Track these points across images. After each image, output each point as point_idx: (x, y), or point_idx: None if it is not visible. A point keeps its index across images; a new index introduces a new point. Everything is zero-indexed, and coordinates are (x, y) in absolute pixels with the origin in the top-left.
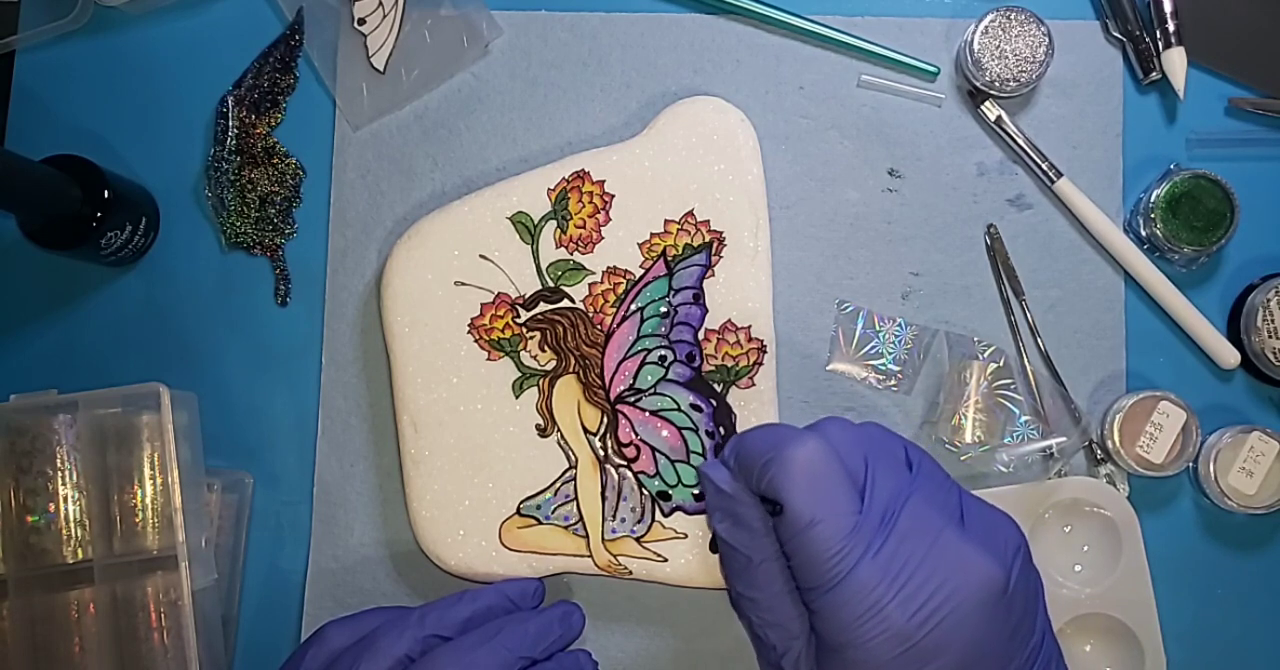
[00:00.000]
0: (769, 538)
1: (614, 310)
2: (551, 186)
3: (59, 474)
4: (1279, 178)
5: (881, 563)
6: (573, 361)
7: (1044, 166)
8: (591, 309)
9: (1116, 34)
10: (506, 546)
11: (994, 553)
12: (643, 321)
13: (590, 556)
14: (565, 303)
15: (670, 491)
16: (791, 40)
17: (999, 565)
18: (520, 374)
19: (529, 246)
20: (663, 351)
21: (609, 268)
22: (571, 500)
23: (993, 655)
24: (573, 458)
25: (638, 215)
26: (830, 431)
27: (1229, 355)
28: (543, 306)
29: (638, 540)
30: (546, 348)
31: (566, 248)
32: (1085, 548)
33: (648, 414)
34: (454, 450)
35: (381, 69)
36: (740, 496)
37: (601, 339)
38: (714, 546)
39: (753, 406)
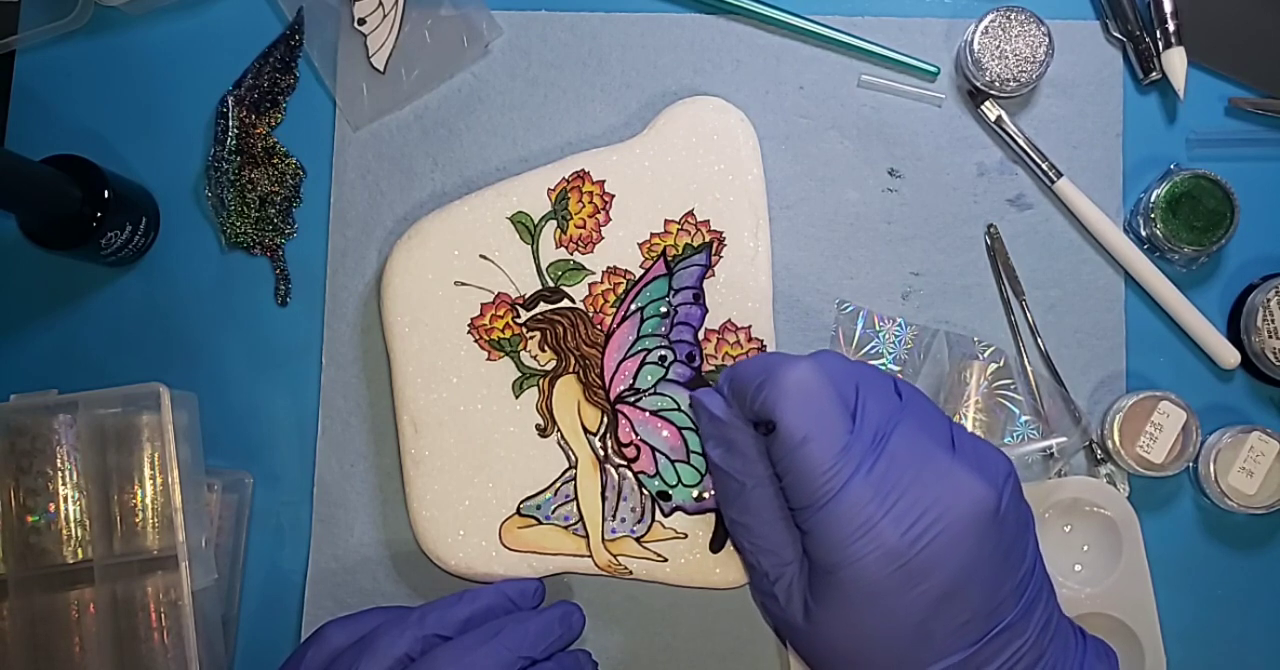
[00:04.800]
0: (761, 463)
1: (614, 310)
2: (551, 186)
3: (59, 474)
4: (1279, 178)
5: (874, 480)
6: (573, 361)
7: (1044, 166)
8: (591, 309)
9: (1116, 34)
10: (506, 546)
11: (985, 476)
12: (643, 321)
13: (590, 556)
14: (565, 303)
15: (670, 491)
16: (791, 40)
17: (990, 487)
18: (520, 374)
19: (529, 246)
20: (663, 351)
21: (609, 268)
22: (571, 500)
23: (984, 577)
24: (573, 458)
25: (638, 215)
26: (823, 359)
27: (1229, 355)
28: (543, 306)
29: (638, 540)
30: (546, 348)
31: (566, 248)
32: (1085, 548)
33: (648, 414)
34: (454, 450)
35: (381, 69)
36: (733, 422)
37: (601, 339)
38: (714, 546)
39: None
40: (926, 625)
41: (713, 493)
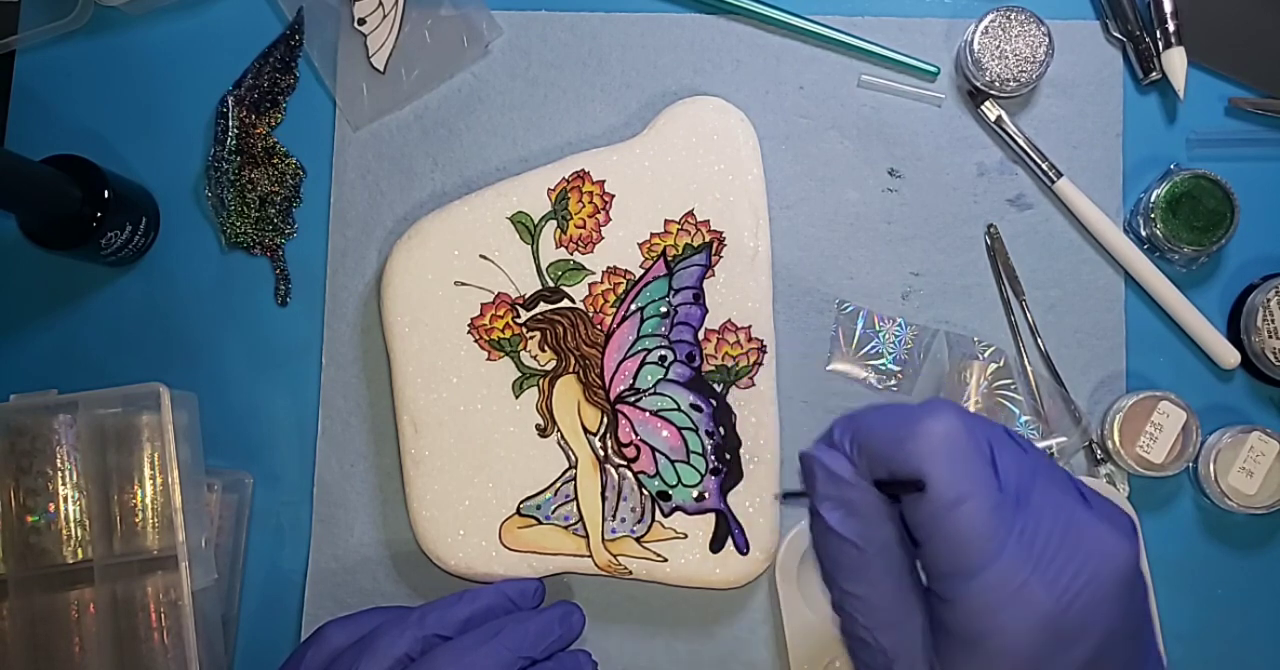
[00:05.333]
0: (884, 526)
1: (614, 310)
2: (551, 186)
3: (59, 474)
4: (1279, 178)
5: (1026, 542)
6: (573, 361)
7: (1044, 166)
8: (591, 309)
9: (1116, 34)
10: (506, 546)
11: (1122, 531)
12: (643, 321)
13: (590, 556)
14: (565, 303)
15: (670, 491)
16: (791, 40)
17: (1129, 543)
18: (520, 374)
19: (529, 246)
20: (663, 351)
21: (609, 268)
22: (571, 500)
23: (1126, 635)
24: (573, 458)
25: (638, 215)
26: (956, 408)
27: (1229, 355)
28: (543, 306)
29: (638, 540)
30: (546, 348)
31: (566, 248)
32: None
33: (648, 414)
34: (454, 450)
35: (381, 69)
36: (857, 481)
37: (601, 339)
38: (714, 546)
39: (753, 406)
40: None
41: (714, 491)
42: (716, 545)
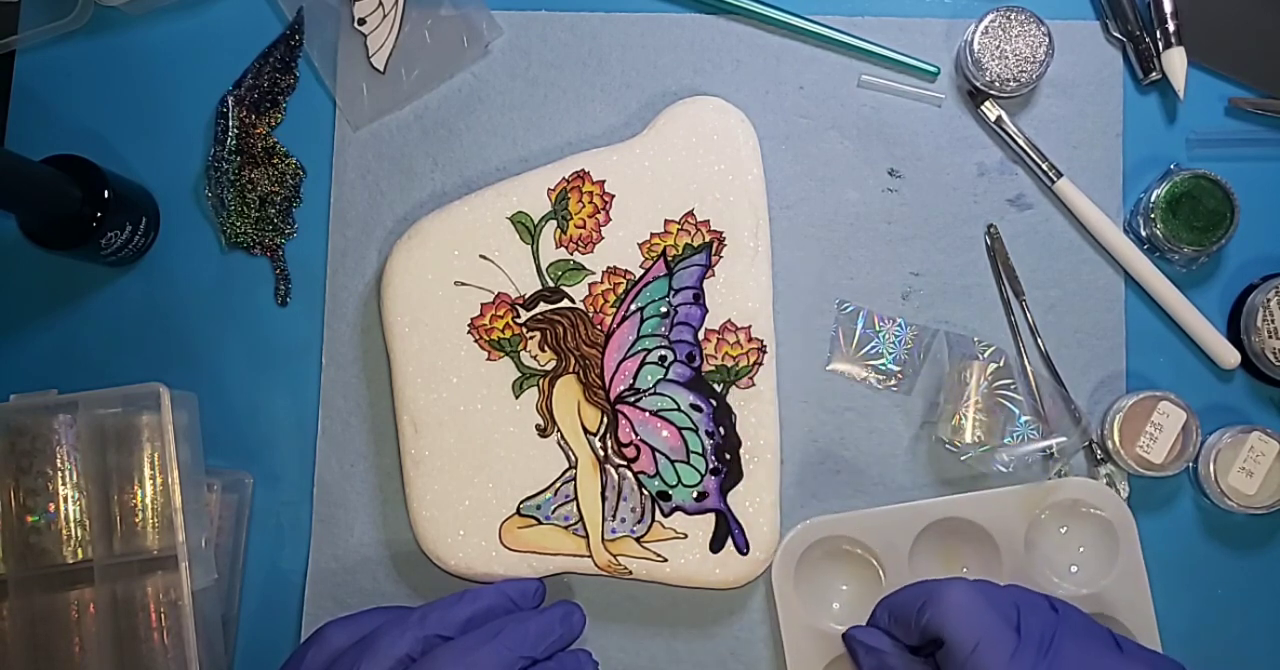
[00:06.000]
0: None
1: (614, 310)
2: (551, 186)
3: (59, 474)
4: (1279, 178)
5: None
6: (573, 361)
7: (1044, 166)
8: (591, 309)
9: (1116, 34)
10: (506, 546)
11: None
12: (643, 321)
13: (590, 556)
14: (565, 303)
15: (670, 491)
16: (791, 40)
17: None
18: (520, 374)
19: (529, 246)
20: (663, 351)
21: (609, 268)
22: (571, 500)
23: None
24: (573, 458)
25: (638, 215)
26: (974, 582)
27: (1229, 355)
28: (543, 306)
29: (638, 540)
30: (546, 348)
31: (566, 248)
32: (1081, 549)
33: (648, 414)
34: (454, 450)
35: (381, 69)
36: (893, 650)
37: (601, 339)
38: (714, 546)
39: (753, 406)
40: None
41: (714, 491)
42: (716, 545)
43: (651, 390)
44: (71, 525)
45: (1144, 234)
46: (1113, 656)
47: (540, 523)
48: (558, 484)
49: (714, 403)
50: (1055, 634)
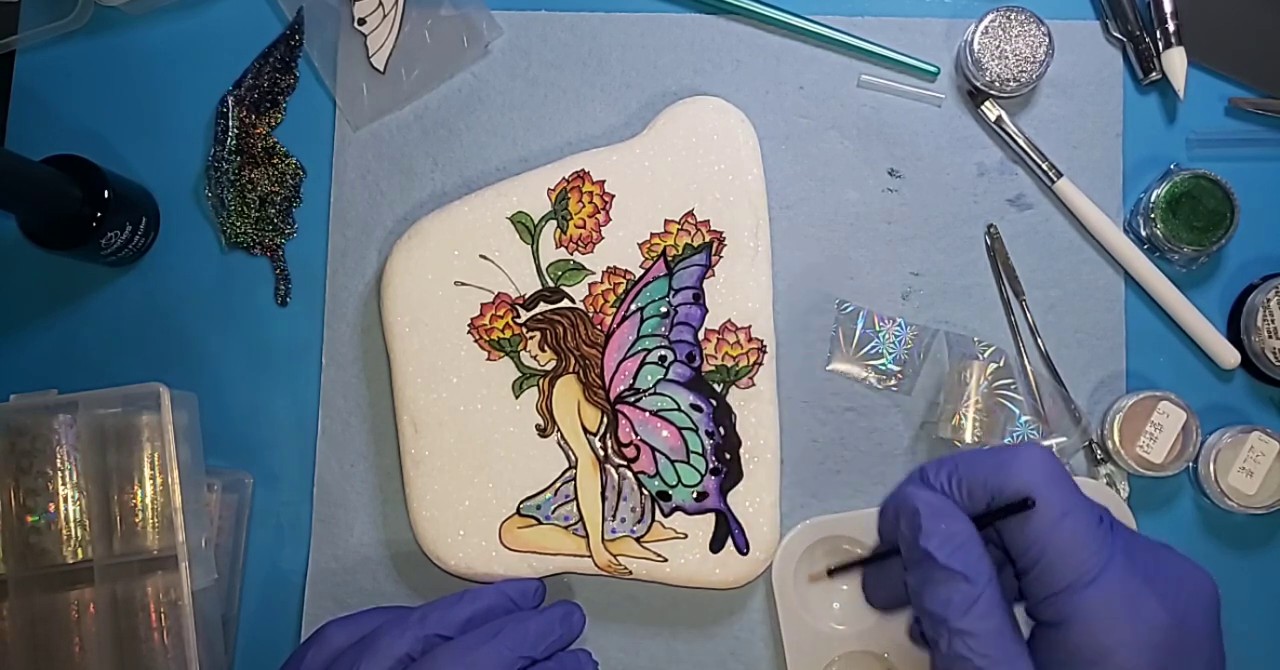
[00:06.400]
0: (987, 557)
1: (614, 310)
2: (551, 186)
3: (59, 474)
4: (1279, 178)
5: (1130, 556)
6: (573, 361)
7: (1044, 166)
8: (591, 309)
9: (1116, 34)
10: (506, 546)
11: (1201, 568)
12: (643, 321)
13: (590, 556)
14: (565, 303)
15: (670, 491)
16: (791, 40)
17: (1211, 578)
18: (520, 374)
19: (529, 246)
20: (663, 351)
21: (609, 268)
22: (571, 500)
23: (1220, 660)
24: (573, 458)
25: (638, 215)
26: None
27: (1229, 355)
28: (543, 306)
29: (638, 540)
30: (546, 348)
31: (566, 248)
32: None
33: (648, 414)
34: (454, 450)
35: (381, 69)
36: (956, 513)
37: (601, 339)
38: (714, 546)
39: (753, 406)
40: None
41: (714, 491)
42: (716, 545)
43: (651, 390)
44: (71, 525)
45: (1144, 234)
46: (1163, 548)
47: (540, 523)
48: (558, 484)
49: (714, 403)
50: (1111, 516)
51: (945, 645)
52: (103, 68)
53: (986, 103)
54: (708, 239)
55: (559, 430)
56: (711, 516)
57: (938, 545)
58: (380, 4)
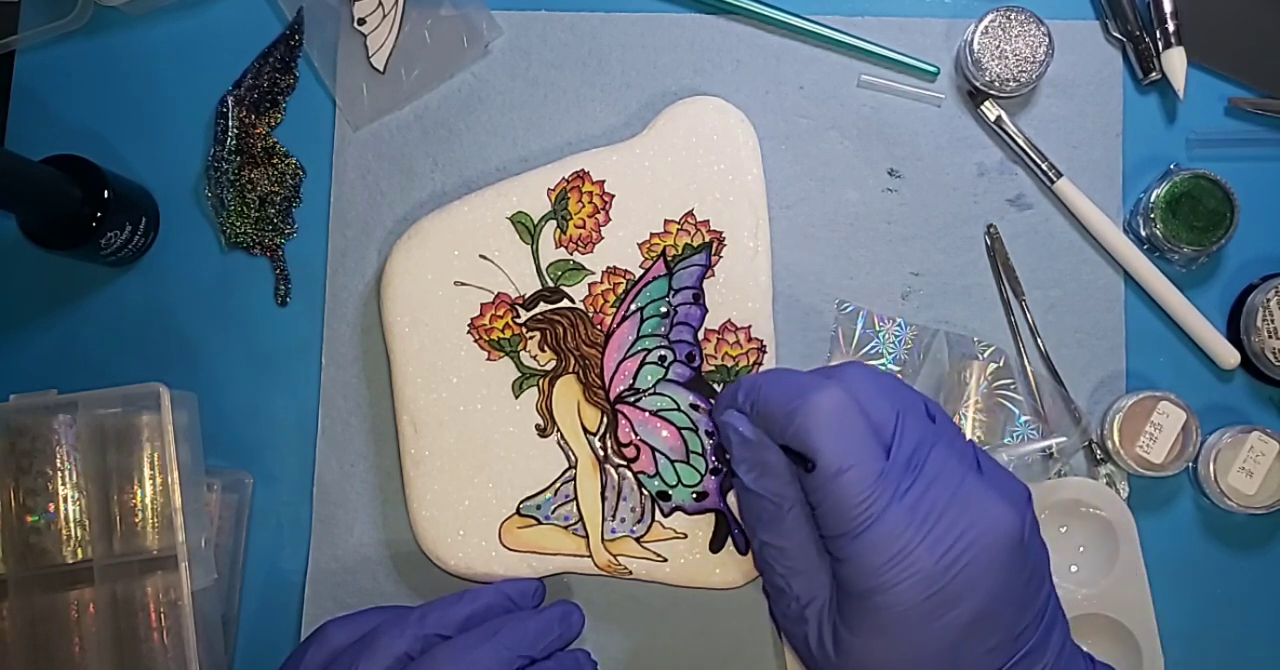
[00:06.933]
0: (794, 483)
1: (614, 310)
2: (551, 186)
3: (59, 474)
4: (1279, 178)
5: (908, 506)
6: (572, 361)
7: (1044, 166)
8: (591, 309)
9: (1116, 34)
10: (506, 546)
11: (1011, 501)
12: (642, 321)
13: (590, 556)
14: (565, 303)
15: (670, 491)
16: (791, 40)
17: (1017, 512)
18: (520, 374)
19: (529, 246)
20: (663, 351)
21: (609, 268)
22: (571, 500)
23: (1012, 602)
24: (573, 458)
25: (638, 215)
26: (851, 376)
27: (1229, 355)
28: (543, 306)
29: (638, 540)
30: (546, 348)
31: (566, 248)
32: (1081, 548)
33: (648, 414)
34: (454, 450)
35: (381, 69)
36: (764, 443)
37: (601, 339)
38: (714, 546)
39: None
40: (956, 650)
41: (714, 491)
42: (716, 545)
43: (651, 390)
44: (71, 525)
45: (1144, 234)
46: (974, 478)
47: (540, 523)
48: (558, 484)
49: (714, 402)
50: (929, 449)
51: (756, 550)
52: (103, 68)
53: (986, 103)
54: (707, 239)
55: (559, 430)
56: (711, 516)
57: (745, 472)
58: (380, 4)
